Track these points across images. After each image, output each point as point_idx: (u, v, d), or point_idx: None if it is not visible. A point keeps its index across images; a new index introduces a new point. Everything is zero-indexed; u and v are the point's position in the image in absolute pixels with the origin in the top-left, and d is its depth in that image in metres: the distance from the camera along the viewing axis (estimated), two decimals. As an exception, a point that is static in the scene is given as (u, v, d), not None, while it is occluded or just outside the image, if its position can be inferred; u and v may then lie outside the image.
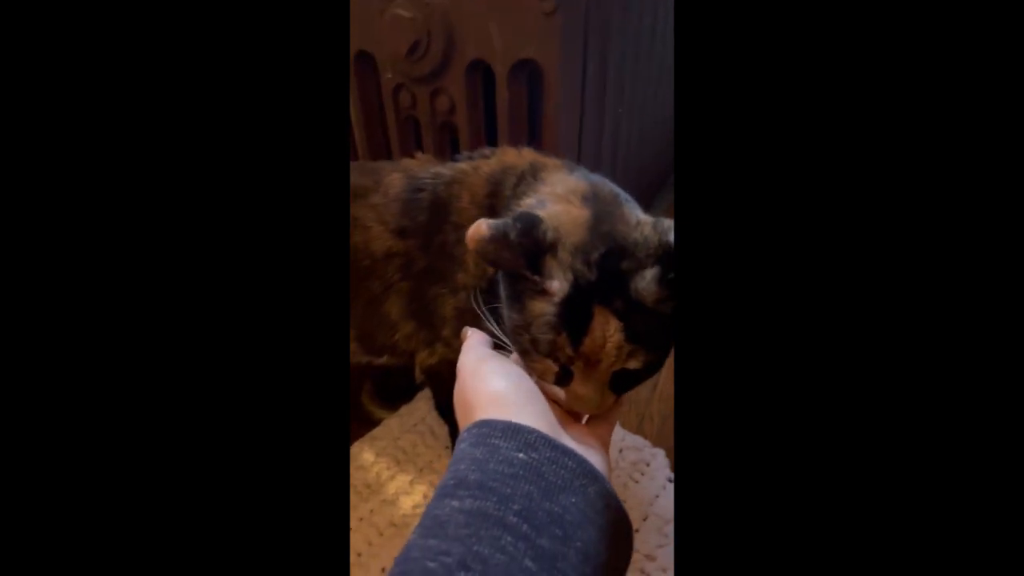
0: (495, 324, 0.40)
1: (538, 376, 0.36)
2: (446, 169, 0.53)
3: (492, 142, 0.77)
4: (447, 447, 0.72)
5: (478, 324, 0.43)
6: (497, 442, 0.28)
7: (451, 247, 0.51)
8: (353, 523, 0.63)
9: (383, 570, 0.59)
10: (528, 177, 0.47)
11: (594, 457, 0.32)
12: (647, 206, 0.40)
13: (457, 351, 0.58)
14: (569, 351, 0.34)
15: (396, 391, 0.78)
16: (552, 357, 0.35)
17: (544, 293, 0.34)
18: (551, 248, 0.35)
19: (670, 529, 0.65)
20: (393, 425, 0.75)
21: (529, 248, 0.34)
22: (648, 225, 0.37)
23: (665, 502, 0.67)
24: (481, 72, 0.73)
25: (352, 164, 0.59)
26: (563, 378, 0.35)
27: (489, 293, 0.43)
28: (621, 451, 0.73)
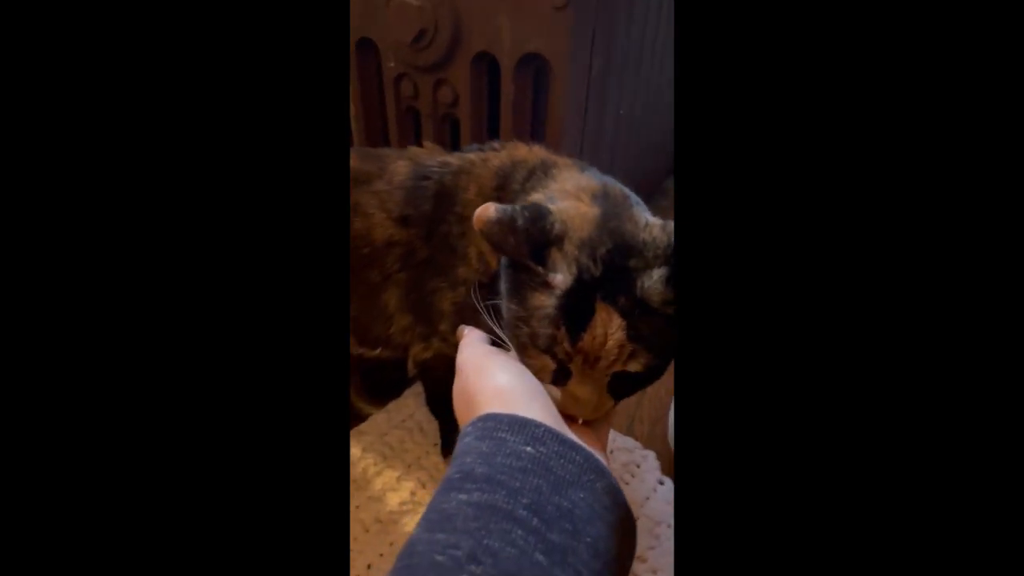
0: (493, 320, 0.40)
1: (535, 374, 0.35)
2: (454, 159, 0.52)
3: (494, 136, 0.76)
4: (435, 444, 0.71)
5: (476, 320, 0.43)
6: (504, 435, 0.27)
7: (454, 239, 0.50)
8: (339, 518, 0.62)
9: (369, 567, 0.58)
10: (539, 172, 0.47)
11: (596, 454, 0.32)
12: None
13: (453, 347, 0.57)
14: (567, 346, 0.33)
15: (386, 386, 0.77)
16: (550, 353, 0.34)
17: (546, 286, 0.34)
18: (557, 240, 0.34)
19: (660, 531, 0.64)
20: (381, 420, 0.74)
21: (535, 237, 0.34)
22: (657, 227, 0.36)
23: (655, 504, 0.67)
24: (486, 65, 0.73)
25: (355, 150, 0.58)
26: (559, 377, 0.35)
27: (488, 289, 0.43)
28: (612, 452, 0.72)
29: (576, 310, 0.33)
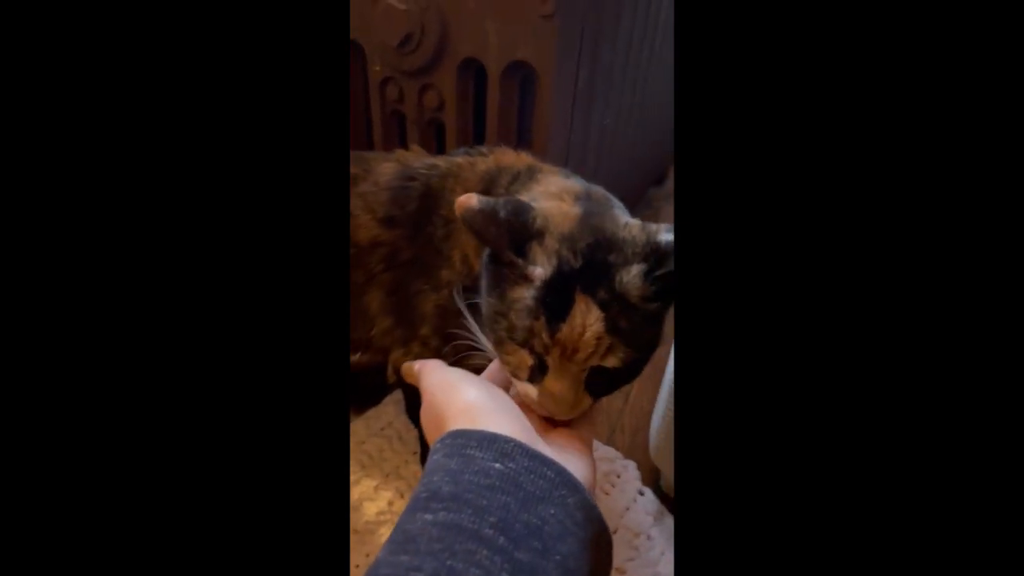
0: (473, 321, 0.39)
1: (512, 371, 0.35)
2: (442, 162, 0.52)
3: (479, 142, 0.76)
4: (415, 452, 0.69)
5: (458, 325, 0.42)
6: (473, 452, 0.27)
7: (438, 241, 0.50)
8: (313, 528, 0.60)
9: (343, 579, 0.56)
10: (523, 177, 0.47)
11: (577, 463, 0.31)
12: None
13: (433, 352, 0.56)
14: (546, 337, 0.33)
15: (365, 392, 0.75)
16: (528, 347, 0.34)
17: (526, 278, 0.34)
18: (538, 235, 0.34)
19: (640, 542, 0.64)
20: (359, 428, 0.72)
21: (516, 229, 0.34)
22: (636, 226, 0.37)
23: (635, 515, 0.67)
24: (473, 71, 0.73)
25: None
26: (537, 373, 0.34)
27: (470, 291, 0.42)
28: (593, 462, 0.72)
29: (555, 301, 0.33)
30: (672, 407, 0.58)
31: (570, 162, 0.80)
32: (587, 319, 0.32)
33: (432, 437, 0.31)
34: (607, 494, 0.69)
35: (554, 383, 0.33)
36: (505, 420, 0.29)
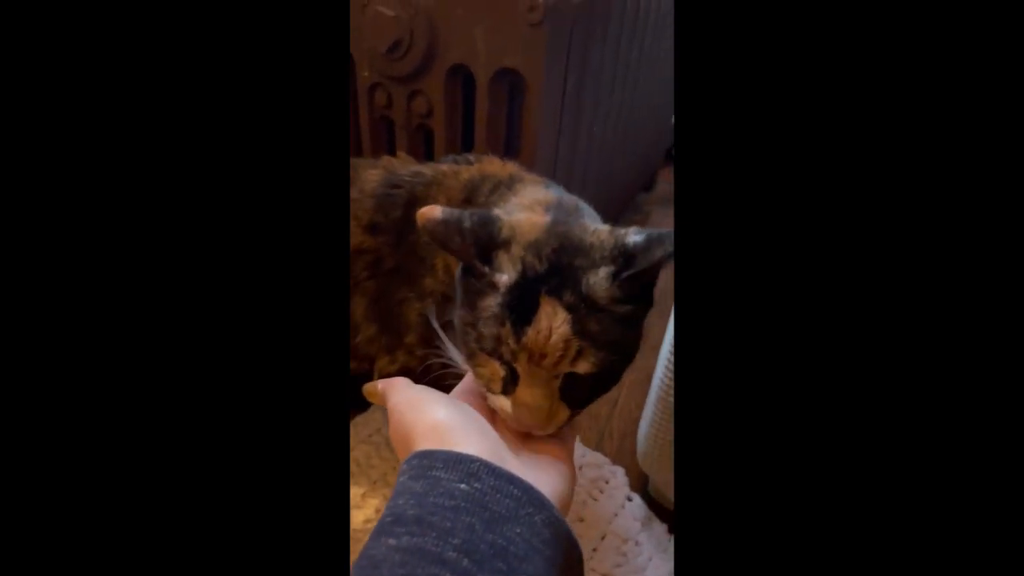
0: (448, 340, 0.39)
1: (485, 384, 0.35)
2: (427, 169, 0.52)
3: (468, 149, 0.76)
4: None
5: (444, 330, 0.42)
6: (438, 474, 0.26)
7: (422, 249, 0.50)
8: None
9: (329, 588, 0.56)
10: (503, 187, 0.47)
11: (552, 474, 0.31)
12: (615, 222, 0.40)
13: (419, 359, 0.56)
14: (512, 343, 0.32)
15: (351, 400, 0.75)
16: (497, 355, 0.33)
17: (493, 287, 0.33)
18: (504, 244, 0.34)
19: (628, 548, 0.64)
20: (346, 434, 0.72)
21: (482, 239, 0.34)
22: (605, 232, 0.36)
23: (623, 521, 0.67)
24: (461, 77, 0.73)
25: None
26: (509, 384, 0.34)
27: (443, 308, 0.42)
28: (581, 468, 0.72)
29: (520, 305, 0.32)
30: (660, 412, 0.58)
31: (559, 168, 0.81)
32: (553, 322, 0.32)
33: (401, 456, 0.30)
34: (595, 500, 0.69)
35: (526, 392, 0.33)
36: (473, 438, 0.29)
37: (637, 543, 0.65)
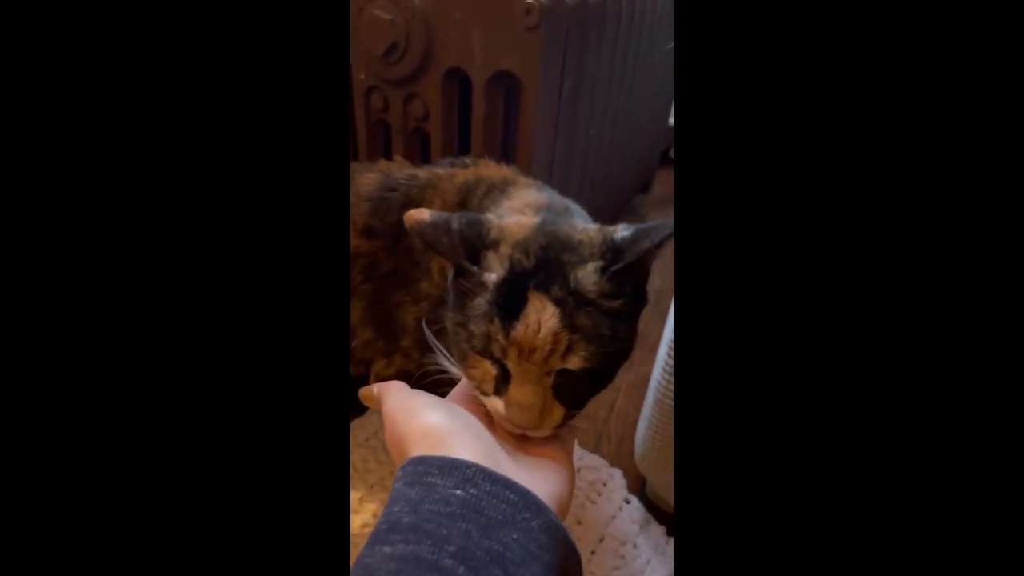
0: (441, 348, 0.39)
1: (478, 386, 0.34)
2: (423, 173, 0.52)
3: (464, 152, 0.76)
4: (400, 462, 0.69)
5: (437, 335, 0.42)
6: (433, 480, 0.26)
7: (418, 253, 0.50)
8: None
9: (327, 593, 0.55)
10: (495, 191, 0.47)
11: (551, 477, 0.31)
12: (611, 225, 0.40)
13: (416, 363, 0.56)
14: (501, 338, 0.32)
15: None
16: (488, 354, 0.33)
17: (482, 286, 0.33)
18: (493, 244, 0.34)
19: (626, 551, 0.64)
20: (344, 438, 0.72)
21: (470, 239, 0.34)
22: (594, 230, 0.37)
23: (622, 523, 0.67)
24: (458, 81, 0.73)
25: None
26: (501, 383, 0.33)
27: (435, 323, 0.42)
28: (579, 471, 0.72)
29: (509, 302, 0.32)
30: (658, 414, 0.58)
31: (555, 171, 0.81)
32: (541, 316, 0.32)
33: (397, 462, 0.30)
34: (593, 503, 0.69)
35: (518, 391, 0.32)
36: (468, 443, 0.28)
37: (635, 545, 0.65)
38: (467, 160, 0.53)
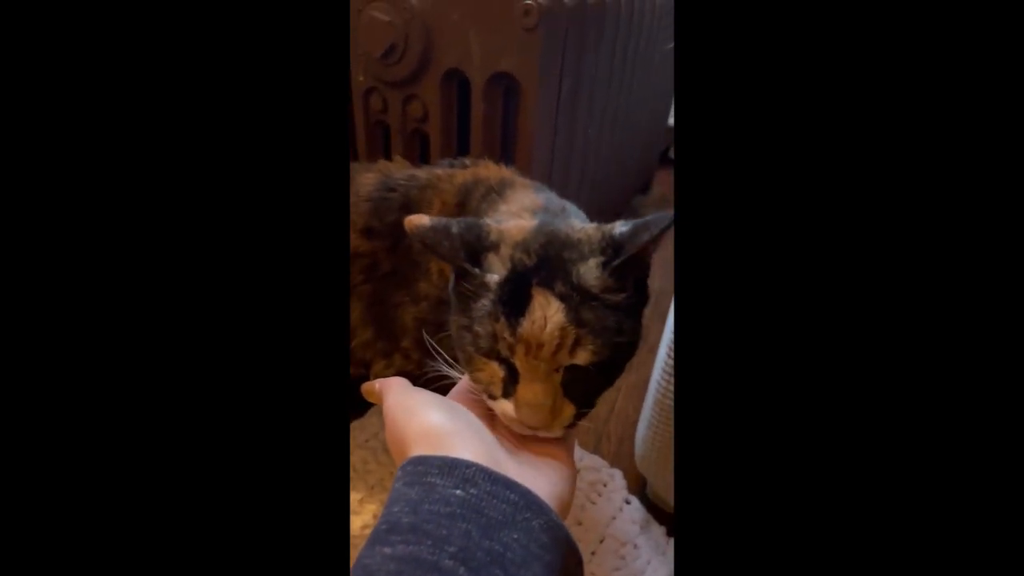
0: (443, 354, 0.39)
1: (485, 390, 0.34)
2: (422, 173, 0.52)
3: (463, 153, 0.76)
4: (400, 464, 0.69)
5: (439, 342, 0.42)
6: (433, 480, 0.26)
7: (416, 253, 0.50)
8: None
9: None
10: (493, 194, 0.47)
11: (552, 476, 0.31)
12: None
13: (415, 363, 0.56)
14: (508, 336, 0.32)
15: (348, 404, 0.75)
16: (494, 355, 0.33)
17: (484, 287, 0.33)
18: (493, 246, 0.34)
19: (627, 551, 0.64)
20: (343, 439, 0.72)
21: (470, 242, 0.34)
22: (592, 228, 0.37)
23: (622, 524, 0.67)
24: (456, 82, 0.73)
25: None
26: (510, 384, 0.33)
27: (436, 326, 0.42)
28: (579, 471, 0.72)
29: (513, 299, 0.32)
30: (658, 415, 0.58)
31: (554, 172, 0.81)
32: (547, 311, 0.32)
33: (397, 461, 0.30)
34: (593, 503, 0.69)
35: (527, 389, 0.32)
36: (469, 442, 0.28)
37: (636, 546, 0.65)
38: (466, 161, 0.53)
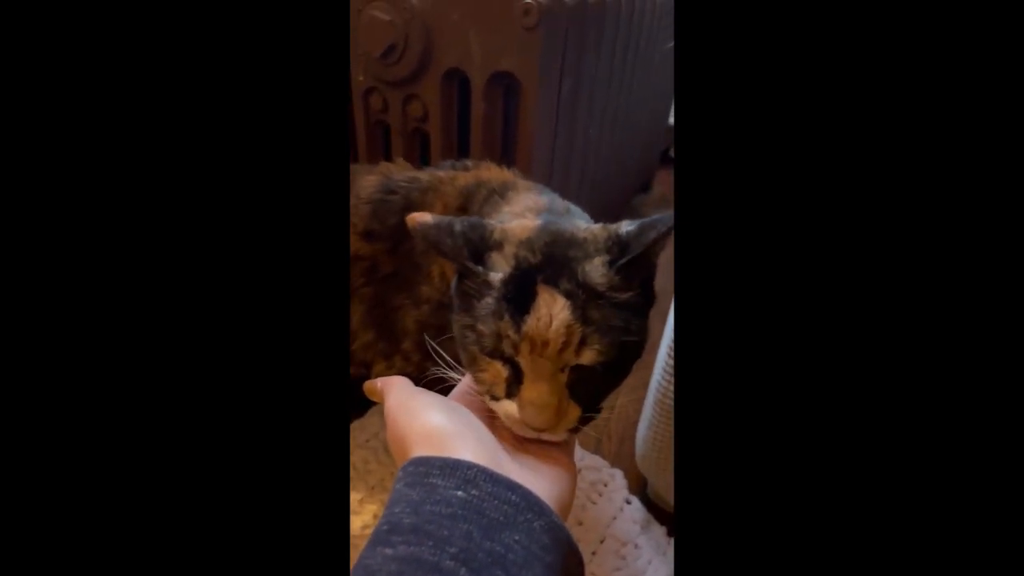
0: (445, 356, 0.39)
1: (488, 391, 0.34)
2: (424, 175, 0.52)
3: (464, 152, 0.76)
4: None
5: (441, 345, 0.42)
6: (435, 481, 0.26)
7: (418, 256, 0.50)
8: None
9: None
10: (495, 196, 0.47)
11: (553, 477, 0.30)
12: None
13: (416, 365, 0.56)
14: (512, 334, 0.31)
15: (349, 404, 0.75)
16: (499, 354, 0.32)
17: (488, 285, 0.33)
18: (496, 246, 0.34)
19: (627, 551, 0.64)
20: (344, 439, 0.72)
21: (473, 241, 0.34)
22: (598, 228, 0.37)
23: (622, 524, 0.67)
24: (457, 81, 0.73)
25: None
26: (514, 384, 0.33)
27: (437, 329, 0.42)
28: (579, 471, 0.72)
29: (517, 297, 0.32)
30: (658, 415, 0.58)
31: (555, 171, 0.81)
32: (552, 308, 0.31)
33: (398, 461, 0.30)
34: (594, 503, 0.69)
35: (532, 389, 0.32)
36: (470, 443, 0.28)
37: (636, 546, 0.65)
38: (468, 163, 0.53)
